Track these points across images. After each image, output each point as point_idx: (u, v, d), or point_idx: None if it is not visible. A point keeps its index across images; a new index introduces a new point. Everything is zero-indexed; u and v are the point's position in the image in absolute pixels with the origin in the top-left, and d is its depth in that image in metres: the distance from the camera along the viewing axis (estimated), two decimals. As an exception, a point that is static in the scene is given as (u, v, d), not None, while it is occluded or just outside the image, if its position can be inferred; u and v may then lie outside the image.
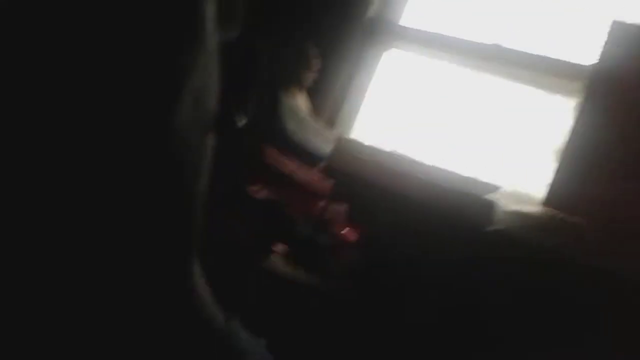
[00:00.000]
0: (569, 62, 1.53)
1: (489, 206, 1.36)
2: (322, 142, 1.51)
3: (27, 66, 0.21)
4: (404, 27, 1.77)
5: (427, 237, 1.41)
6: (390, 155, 1.54)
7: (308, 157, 1.45)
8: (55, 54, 0.21)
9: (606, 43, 1.40)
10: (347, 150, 1.53)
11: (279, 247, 1.27)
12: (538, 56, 1.57)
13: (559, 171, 1.35)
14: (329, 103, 1.66)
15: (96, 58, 0.23)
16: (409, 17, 1.80)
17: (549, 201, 1.34)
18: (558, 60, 1.55)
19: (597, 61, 1.39)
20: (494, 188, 1.41)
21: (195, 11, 0.30)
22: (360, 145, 1.57)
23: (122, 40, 0.24)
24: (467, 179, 1.47)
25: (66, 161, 0.21)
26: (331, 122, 1.64)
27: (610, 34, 1.40)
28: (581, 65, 1.48)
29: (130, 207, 0.24)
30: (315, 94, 1.60)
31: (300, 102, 1.56)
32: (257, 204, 1.27)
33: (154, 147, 0.26)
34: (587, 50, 1.48)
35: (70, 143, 0.22)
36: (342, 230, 1.32)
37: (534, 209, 1.37)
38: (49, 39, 0.20)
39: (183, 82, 0.28)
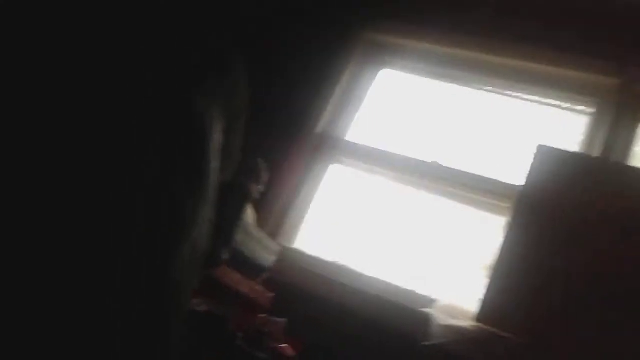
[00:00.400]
0: (500, 182, 1.63)
1: (425, 319, 1.39)
2: (265, 253, 1.54)
3: None
4: (350, 142, 1.86)
5: (366, 350, 1.42)
6: (331, 266, 1.58)
7: (252, 268, 1.48)
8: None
9: (532, 165, 1.50)
10: (289, 260, 1.57)
11: (215, 362, 1.26)
12: (472, 175, 1.67)
13: (490, 286, 1.40)
14: (273, 214, 1.71)
15: (107, 203, 0.25)
16: (356, 133, 1.90)
17: (481, 316, 1.38)
18: (490, 180, 1.65)
19: (524, 182, 1.48)
20: (430, 301, 1.45)
21: (203, 171, 0.31)
22: (302, 255, 1.60)
23: (132, 190, 0.26)
24: (405, 291, 1.50)
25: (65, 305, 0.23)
26: (275, 233, 1.68)
27: (536, 156, 1.51)
28: (511, 185, 1.57)
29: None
30: (261, 204, 1.65)
31: (247, 212, 1.61)
32: (196, 318, 1.27)
33: (150, 298, 0.27)
34: (518, 171, 1.58)
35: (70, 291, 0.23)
36: (280, 345, 1.32)
37: (467, 323, 1.40)
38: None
39: (185, 233, 0.29)
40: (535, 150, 1.51)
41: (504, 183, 1.62)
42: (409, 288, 1.52)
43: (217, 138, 0.34)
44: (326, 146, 1.84)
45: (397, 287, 1.52)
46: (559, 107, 1.75)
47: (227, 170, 0.38)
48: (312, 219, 1.77)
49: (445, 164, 1.72)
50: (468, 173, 1.68)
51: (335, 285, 1.48)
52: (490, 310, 1.40)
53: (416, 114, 1.88)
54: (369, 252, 1.66)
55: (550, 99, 1.76)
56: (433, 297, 1.47)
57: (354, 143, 1.86)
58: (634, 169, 1.54)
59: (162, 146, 0.28)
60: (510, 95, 1.82)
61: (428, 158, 1.74)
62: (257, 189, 1.65)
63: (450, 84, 1.90)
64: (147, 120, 0.28)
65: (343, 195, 1.82)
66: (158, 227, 0.29)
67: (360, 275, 1.55)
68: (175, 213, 0.30)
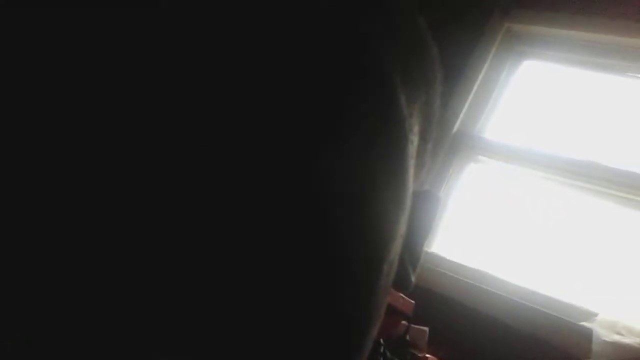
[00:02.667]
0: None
1: (586, 335, 1.26)
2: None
3: None
4: (490, 140, 1.75)
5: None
6: (477, 273, 1.48)
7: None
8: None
9: None
10: (430, 265, 1.49)
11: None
12: (632, 173, 1.50)
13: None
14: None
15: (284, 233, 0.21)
16: (495, 130, 1.79)
17: (653, 333, 1.22)
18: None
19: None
20: (590, 315, 1.31)
21: (403, 177, 0.26)
22: (444, 260, 1.52)
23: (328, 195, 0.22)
24: (561, 302, 1.37)
25: None
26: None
27: None
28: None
29: None
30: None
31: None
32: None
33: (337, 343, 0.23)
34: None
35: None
36: (424, 354, 1.25)
37: (633, 340, 1.25)
38: None
39: (386, 251, 0.25)
40: None
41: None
42: (566, 300, 1.38)
43: (415, 142, 0.28)
44: (464, 145, 1.74)
45: (552, 299, 1.39)
46: None
47: (418, 181, 0.31)
48: (451, 222, 1.68)
49: (599, 161, 1.55)
50: (627, 171, 1.51)
51: (483, 294, 1.38)
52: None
53: (562, 107, 1.72)
54: (516, 259, 1.54)
55: None
56: (594, 310, 1.33)
57: (494, 141, 1.74)
58: None
59: (361, 136, 0.23)
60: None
61: (579, 155, 1.59)
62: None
63: (598, 73, 1.72)
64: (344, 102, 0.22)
65: (483, 197, 1.71)
66: (359, 244, 0.23)
67: (509, 284, 1.43)
68: (377, 224, 0.24)
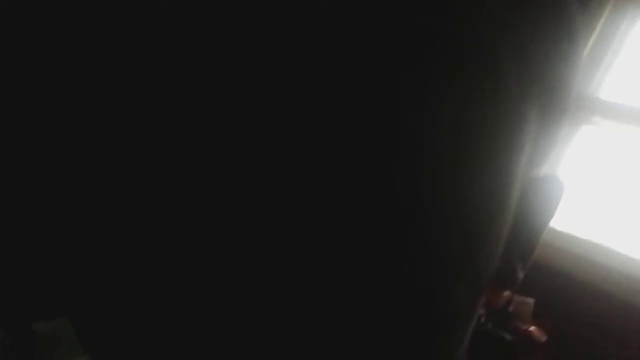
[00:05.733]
0: None
1: None
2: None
3: None
4: (604, 100, 1.62)
5: (629, 339, 1.23)
6: (585, 243, 1.39)
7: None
8: None
9: None
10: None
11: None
12: None
13: None
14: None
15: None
16: (610, 91, 1.65)
17: None
18: None
19: None
20: None
21: (507, 170, 0.24)
22: (550, 230, 1.44)
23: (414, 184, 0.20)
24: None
25: None
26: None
27: None
28: None
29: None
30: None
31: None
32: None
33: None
34: None
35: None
36: (528, 327, 1.20)
37: None
38: None
39: (472, 255, 0.23)
40: None
41: None
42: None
43: (527, 126, 0.23)
44: (578, 105, 1.62)
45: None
46: None
47: (538, 167, 0.26)
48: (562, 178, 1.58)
49: None
50: None
51: (593, 266, 1.30)
52: None
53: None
54: (630, 229, 1.43)
55: None
56: None
57: (610, 101, 1.61)
58: None
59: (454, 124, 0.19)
60: None
61: None
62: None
63: None
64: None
65: (596, 160, 1.59)
66: (443, 244, 0.20)
67: (622, 256, 1.33)
68: (466, 225, 0.21)
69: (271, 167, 0.19)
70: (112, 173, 0.19)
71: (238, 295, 0.19)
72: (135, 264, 0.19)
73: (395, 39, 0.19)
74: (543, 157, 0.27)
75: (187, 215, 0.19)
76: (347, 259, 0.19)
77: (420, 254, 0.20)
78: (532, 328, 1.21)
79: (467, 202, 0.21)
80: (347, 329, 0.20)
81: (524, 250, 0.27)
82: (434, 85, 0.20)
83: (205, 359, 0.19)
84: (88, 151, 0.19)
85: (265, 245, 0.19)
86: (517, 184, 0.24)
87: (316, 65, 0.19)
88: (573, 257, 1.33)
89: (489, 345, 1.15)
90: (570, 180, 1.59)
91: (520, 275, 0.28)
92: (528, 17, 0.23)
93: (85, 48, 0.19)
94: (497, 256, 0.24)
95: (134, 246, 0.19)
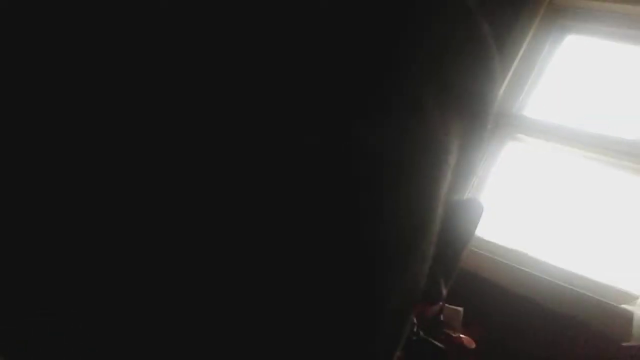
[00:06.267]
0: None
1: (627, 317, 1.22)
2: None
3: None
4: (530, 118, 1.70)
5: (556, 347, 1.29)
6: (512, 253, 1.46)
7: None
8: None
9: None
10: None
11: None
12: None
13: None
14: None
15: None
16: (535, 108, 1.74)
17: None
18: None
19: None
20: (632, 298, 1.27)
21: (432, 195, 0.25)
22: (480, 240, 1.49)
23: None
24: (601, 285, 1.34)
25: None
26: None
27: None
28: None
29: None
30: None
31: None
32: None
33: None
34: None
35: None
36: (458, 335, 1.24)
37: (680, 324, 1.21)
38: None
39: (407, 262, 0.24)
40: None
41: None
42: (607, 282, 1.34)
43: (452, 151, 0.26)
44: (503, 123, 1.70)
45: (592, 280, 1.35)
46: None
47: (458, 192, 0.28)
48: (488, 202, 1.65)
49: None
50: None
51: (520, 275, 1.35)
52: None
53: (605, 83, 1.66)
54: (555, 240, 1.50)
55: None
56: (635, 292, 1.29)
57: (535, 119, 1.69)
58: None
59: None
60: None
61: (623, 133, 1.53)
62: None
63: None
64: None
65: (522, 176, 1.67)
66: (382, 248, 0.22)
67: (548, 265, 1.40)
68: (397, 241, 0.23)
69: (261, 164, 0.19)
70: (104, 171, 0.19)
71: (211, 291, 0.19)
72: (121, 261, 0.19)
73: (365, 55, 0.21)
74: (463, 183, 0.30)
75: (173, 214, 0.19)
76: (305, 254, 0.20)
77: (361, 260, 0.22)
78: (462, 335, 1.25)
79: (397, 220, 0.23)
80: (302, 318, 0.21)
81: (447, 268, 0.30)
82: (379, 107, 0.21)
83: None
84: (84, 149, 0.19)
85: (248, 241, 0.19)
86: (440, 207, 0.26)
87: (315, 65, 0.20)
88: (500, 265, 1.39)
89: (422, 352, 1.18)
90: (496, 193, 1.66)
91: (444, 291, 0.30)
92: (452, 62, 0.26)
93: (85, 48, 0.19)
94: (423, 275, 0.26)
95: (119, 244, 0.19)
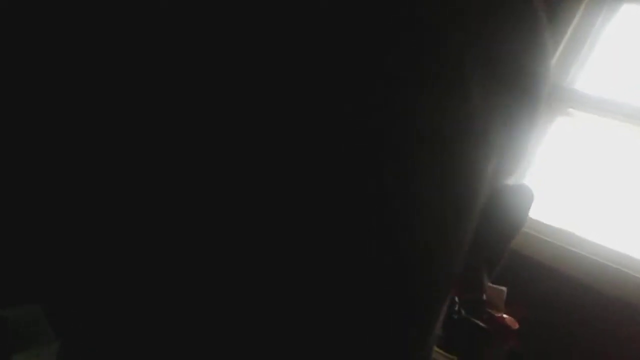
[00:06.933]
0: None
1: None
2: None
3: None
4: (581, 92, 1.64)
5: (599, 326, 1.25)
6: (559, 232, 1.41)
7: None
8: None
9: None
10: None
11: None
12: None
13: None
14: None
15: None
16: (587, 81, 1.67)
17: None
18: None
19: None
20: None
21: (472, 177, 0.24)
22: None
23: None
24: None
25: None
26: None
27: None
28: None
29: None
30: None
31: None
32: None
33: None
34: None
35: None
36: (501, 315, 1.22)
37: None
38: None
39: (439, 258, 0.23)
40: None
41: None
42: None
43: (496, 131, 0.24)
44: (554, 97, 1.64)
45: (636, 260, 1.30)
46: None
47: (507, 175, 0.27)
48: (535, 179, 1.60)
49: None
50: None
51: (565, 254, 1.32)
52: None
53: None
54: (602, 218, 1.45)
55: None
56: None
57: (587, 93, 1.62)
58: None
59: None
60: None
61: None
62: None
63: None
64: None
65: (571, 151, 1.61)
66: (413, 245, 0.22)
67: (593, 244, 1.36)
68: (433, 223, 0.22)
69: (264, 164, 0.19)
70: (108, 170, 0.19)
71: (218, 289, 0.19)
72: (124, 259, 0.19)
73: (379, 44, 0.20)
74: (512, 166, 0.28)
75: (178, 213, 0.19)
76: (332, 251, 0.20)
77: (393, 247, 0.21)
78: (505, 315, 1.23)
79: (432, 202, 0.22)
80: (336, 314, 0.20)
81: (490, 257, 0.28)
82: (408, 92, 0.20)
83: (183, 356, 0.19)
84: (87, 149, 0.19)
85: (257, 240, 0.19)
86: (482, 191, 0.24)
87: (315, 65, 0.19)
88: (545, 245, 1.35)
89: (464, 332, 1.17)
90: (545, 169, 1.61)
91: (486, 280, 0.28)
92: (499, 33, 0.24)
93: (85, 47, 0.19)
94: (460, 259, 0.25)
95: (124, 242, 0.19)
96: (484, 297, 1.07)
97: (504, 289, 1.27)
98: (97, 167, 0.19)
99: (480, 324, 1.18)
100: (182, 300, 0.19)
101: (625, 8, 1.70)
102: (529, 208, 0.29)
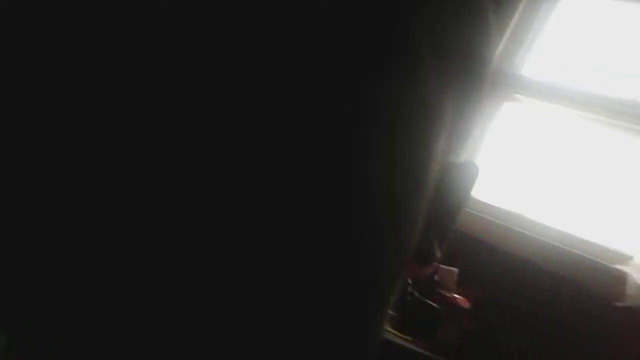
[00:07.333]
0: None
1: (620, 278, 1.23)
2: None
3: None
4: (527, 77, 1.68)
5: (550, 307, 1.30)
6: (508, 214, 1.46)
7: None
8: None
9: None
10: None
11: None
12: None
13: None
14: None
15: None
16: (532, 67, 1.71)
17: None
18: None
19: None
20: (626, 258, 1.28)
21: (425, 158, 0.25)
22: (475, 201, 1.49)
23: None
24: (595, 245, 1.34)
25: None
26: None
27: None
28: None
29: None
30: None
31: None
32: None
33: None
34: None
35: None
36: (453, 295, 1.25)
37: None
38: None
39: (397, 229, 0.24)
40: None
41: None
42: (601, 242, 1.35)
43: (448, 109, 0.26)
44: (500, 82, 1.68)
45: (586, 241, 1.36)
46: None
47: (454, 153, 0.29)
48: (483, 162, 1.64)
49: (641, 100, 1.48)
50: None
51: (514, 236, 1.36)
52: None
53: (605, 42, 1.63)
54: (550, 201, 1.50)
55: None
56: (629, 253, 1.29)
57: (532, 78, 1.67)
58: None
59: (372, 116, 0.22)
60: None
61: (620, 93, 1.51)
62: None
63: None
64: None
65: (518, 137, 1.65)
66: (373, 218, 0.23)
67: (542, 226, 1.40)
68: (392, 198, 0.23)
69: (264, 163, 0.19)
70: (105, 169, 0.19)
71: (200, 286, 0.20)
72: (118, 258, 0.19)
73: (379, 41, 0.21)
74: (459, 143, 0.29)
75: (171, 212, 0.19)
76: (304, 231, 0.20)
77: (354, 222, 0.21)
78: (457, 296, 1.26)
79: (392, 178, 0.22)
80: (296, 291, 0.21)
81: (441, 230, 0.29)
82: (374, 73, 0.21)
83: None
84: (82, 148, 0.19)
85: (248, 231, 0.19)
86: (434, 166, 0.26)
87: (315, 65, 0.20)
88: (495, 227, 1.39)
89: (417, 312, 1.19)
90: (493, 153, 1.65)
91: (438, 253, 0.30)
92: (448, 12, 0.25)
93: (85, 47, 0.19)
94: (416, 233, 0.26)
95: (117, 242, 0.19)
96: (436, 277, 1.10)
97: (455, 269, 1.30)
98: (95, 167, 0.19)
99: (433, 304, 1.21)
100: (174, 298, 0.19)
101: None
102: (474, 182, 0.31)
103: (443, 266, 1.29)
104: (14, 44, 0.19)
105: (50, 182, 0.19)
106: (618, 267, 1.26)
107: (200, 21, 0.19)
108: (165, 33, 0.19)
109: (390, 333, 1.15)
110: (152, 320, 0.19)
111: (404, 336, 1.17)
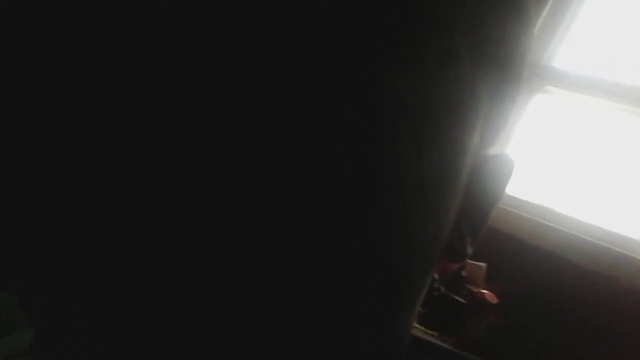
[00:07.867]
0: None
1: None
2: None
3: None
4: (559, 69, 1.64)
5: (580, 302, 1.27)
6: (538, 208, 1.43)
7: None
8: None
9: None
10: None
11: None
12: None
13: None
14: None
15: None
16: (565, 59, 1.68)
17: None
18: None
19: None
20: (660, 253, 1.24)
21: (456, 152, 0.24)
22: (505, 196, 1.47)
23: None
24: (629, 239, 1.31)
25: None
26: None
27: None
28: None
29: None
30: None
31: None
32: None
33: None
34: None
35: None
36: (481, 290, 1.23)
37: None
38: None
39: (422, 229, 0.23)
40: None
41: None
42: (635, 237, 1.31)
43: (483, 101, 0.25)
44: (531, 74, 1.64)
45: (617, 234, 1.32)
46: None
47: (489, 145, 0.28)
48: (515, 157, 1.61)
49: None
50: None
51: (545, 230, 1.33)
52: None
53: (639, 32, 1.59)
54: (581, 194, 1.47)
55: None
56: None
57: (565, 70, 1.63)
58: None
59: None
60: None
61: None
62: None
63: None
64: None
65: (550, 129, 1.62)
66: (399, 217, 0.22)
67: (572, 220, 1.37)
68: (417, 204, 0.23)
69: (263, 163, 0.19)
70: (105, 170, 0.19)
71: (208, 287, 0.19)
72: (120, 258, 0.19)
73: (379, 39, 0.20)
74: (494, 136, 0.28)
75: (173, 211, 0.19)
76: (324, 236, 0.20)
77: (381, 224, 0.21)
78: (485, 291, 1.24)
79: (421, 174, 0.22)
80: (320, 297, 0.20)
81: (473, 225, 0.28)
82: (400, 63, 0.20)
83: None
84: (84, 149, 0.19)
85: (256, 237, 0.19)
86: (468, 159, 0.25)
87: (315, 65, 0.19)
88: (524, 221, 1.37)
89: (443, 308, 1.18)
90: (523, 146, 1.62)
91: (469, 249, 0.29)
92: (486, 5, 0.24)
93: (84, 47, 0.19)
94: (447, 228, 0.25)
95: (119, 241, 0.19)
96: (463, 273, 1.08)
97: (484, 265, 1.28)
98: (95, 166, 0.19)
99: (460, 299, 1.19)
100: (176, 298, 0.19)
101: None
102: (510, 176, 0.30)
103: (471, 261, 1.27)
104: (14, 44, 0.19)
105: (51, 182, 0.19)
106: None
107: (201, 21, 0.19)
108: (165, 33, 0.19)
109: (416, 328, 1.14)
110: (155, 321, 0.19)
111: (430, 332, 1.16)
